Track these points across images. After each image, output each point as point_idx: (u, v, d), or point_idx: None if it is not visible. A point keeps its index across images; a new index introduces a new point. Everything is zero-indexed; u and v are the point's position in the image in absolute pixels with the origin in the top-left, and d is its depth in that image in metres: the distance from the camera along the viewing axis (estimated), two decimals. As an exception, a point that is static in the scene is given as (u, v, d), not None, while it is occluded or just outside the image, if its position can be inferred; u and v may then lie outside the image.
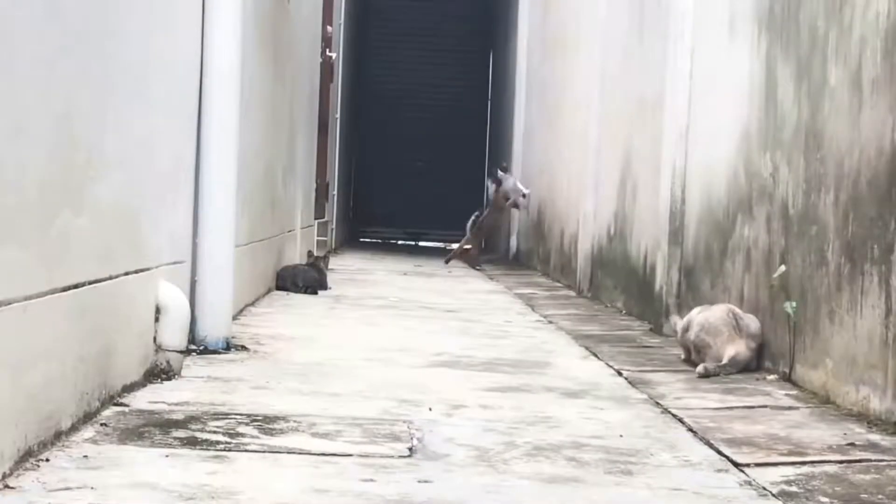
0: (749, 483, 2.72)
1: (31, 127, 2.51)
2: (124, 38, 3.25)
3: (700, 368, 4.31)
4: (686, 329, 4.63)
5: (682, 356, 4.69)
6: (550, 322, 6.26)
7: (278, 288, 7.14)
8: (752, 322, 4.47)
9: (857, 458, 3.01)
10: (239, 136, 4.54)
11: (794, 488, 2.68)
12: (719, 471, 2.84)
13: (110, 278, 3.15)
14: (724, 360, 4.33)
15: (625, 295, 7.04)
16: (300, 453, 2.78)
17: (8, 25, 2.35)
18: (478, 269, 10.69)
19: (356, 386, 3.81)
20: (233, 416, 3.17)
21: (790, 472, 2.84)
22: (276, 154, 7.00)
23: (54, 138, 2.68)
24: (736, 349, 4.37)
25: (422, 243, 17.87)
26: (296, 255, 8.40)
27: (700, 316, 4.56)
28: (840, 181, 3.85)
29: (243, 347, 4.52)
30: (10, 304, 2.38)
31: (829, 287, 3.90)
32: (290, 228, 8.10)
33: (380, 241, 17.37)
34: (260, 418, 3.16)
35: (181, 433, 2.91)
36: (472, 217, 11.40)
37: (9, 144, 2.38)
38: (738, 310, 4.53)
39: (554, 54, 10.76)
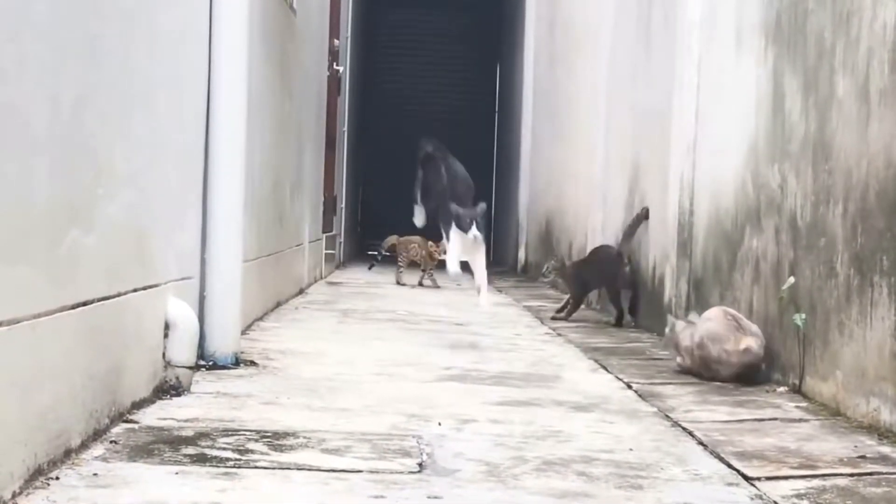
0: (760, 497, 2.72)
1: (39, 143, 2.51)
2: (132, 53, 3.26)
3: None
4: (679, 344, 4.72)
5: (680, 361, 4.72)
6: (559, 335, 6.25)
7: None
8: (752, 324, 4.52)
9: (869, 470, 3.00)
10: (246, 151, 4.55)
11: (805, 502, 2.67)
12: (730, 484, 2.83)
13: (119, 295, 3.16)
14: (735, 358, 4.38)
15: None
16: (310, 469, 2.78)
17: (16, 37, 2.36)
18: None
19: (365, 401, 3.80)
20: (242, 433, 3.17)
21: (801, 485, 2.83)
22: (283, 168, 7.00)
23: (63, 155, 2.69)
24: (746, 344, 4.40)
25: None
26: (304, 270, 8.41)
27: (702, 327, 4.57)
28: (848, 193, 3.84)
29: (252, 363, 4.52)
30: (19, 322, 2.38)
31: (839, 299, 3.89)
32: (298, 242, 8.10)
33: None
34: (269, 434, 3.16)
35: (191, 450, 2.91)
36: None
37: (18, 163, 2.38)
38: (733, 311, 4.57)
39: (561, 67, 10.76)
